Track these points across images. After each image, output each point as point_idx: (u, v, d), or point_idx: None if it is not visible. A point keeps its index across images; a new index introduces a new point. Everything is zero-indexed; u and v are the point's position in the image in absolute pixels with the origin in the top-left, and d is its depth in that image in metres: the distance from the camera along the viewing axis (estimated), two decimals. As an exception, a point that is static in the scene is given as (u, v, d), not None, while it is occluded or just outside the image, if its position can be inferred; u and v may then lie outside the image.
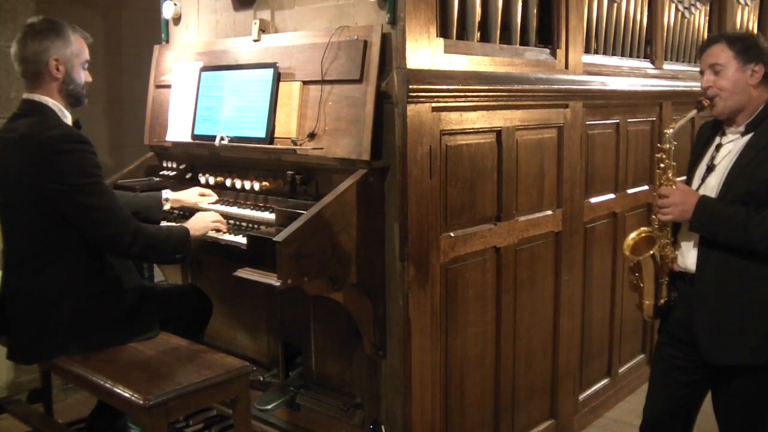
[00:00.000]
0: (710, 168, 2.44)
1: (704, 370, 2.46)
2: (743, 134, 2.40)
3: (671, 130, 2.44)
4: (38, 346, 2.58)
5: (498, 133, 2.93)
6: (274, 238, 2.34)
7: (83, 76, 2.68)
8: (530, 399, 3.31)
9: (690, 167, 2.60)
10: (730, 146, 2.42)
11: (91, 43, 2.74)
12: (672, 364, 2.53)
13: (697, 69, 2.59)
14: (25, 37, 2.58)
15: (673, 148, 2.44)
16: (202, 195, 3.12)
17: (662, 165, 2.43)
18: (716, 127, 2.52)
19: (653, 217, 2.50)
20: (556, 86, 3.21)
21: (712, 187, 2.41)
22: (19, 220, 2.58)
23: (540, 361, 3.35)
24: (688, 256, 2.45)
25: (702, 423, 2.62)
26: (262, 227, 2.79)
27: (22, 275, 2.59)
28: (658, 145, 2.47)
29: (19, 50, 2.60)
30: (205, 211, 2.96)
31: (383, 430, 2.78)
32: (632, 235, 2.53)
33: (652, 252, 2.44)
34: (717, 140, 2.48)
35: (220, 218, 2.84)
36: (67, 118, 2.64)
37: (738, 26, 5.11)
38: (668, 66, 4.28)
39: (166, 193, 3.10)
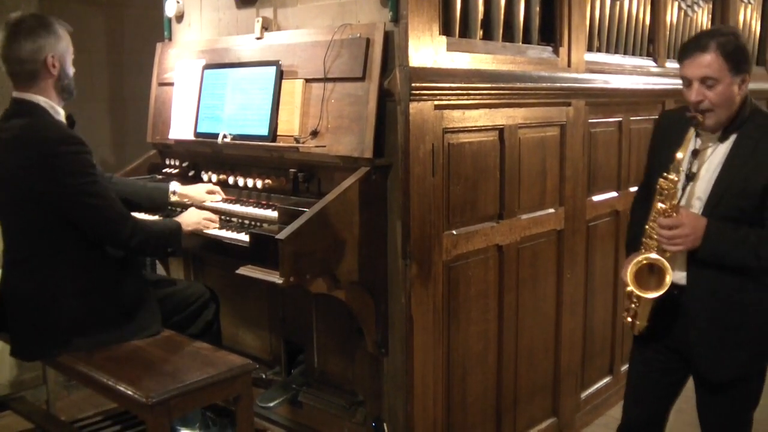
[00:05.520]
0: (689, 177, 2.28)
1: (684, 372, 2.45)
2: (721, 140, 2.27)
3: (680, 155, 2.20)
4: (39, 342, 2.58)
5: (500, 131, 2.93)
6: (277, 236, 2.35)
7: (72, 69, 2.66)
8: (532, 397, 3.31)
9: (656, 166, 2.37)
10: (708, 152, 2.29)
11: (71, 32, 2.66)
12: (653, 367, 2.49)
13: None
14: (16, 36, 2.50)
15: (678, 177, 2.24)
16: (210, 192, 3.12)
17: (666, 192, 2.23)
18: (685, 124, 2.29)
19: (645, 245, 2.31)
20: (558, 84, 3.21)
21: (693, 196, 2.30)
22: (17, 218, 2.59)
23: (542, 359, 3.35)
24: (676, 269, 2.31)
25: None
26: (265, 225, 2.79)
27: (22, 272, 2.59)
28: (666, 174, 2.23)
29: (12, 50, 2.51)
30: (210, 209, 3.00)
31: (385, 427, 2.78)
32: (630, 268, 2.30)
33: (662, 292, 2.24)
34: (691, 145, 2.27)
35: (212, 216, 2.89)
36: (60, 115, 2.61)
37: (741, 25, 5.10)
38: (671, 64, 4.26)
39: (174, 186, 3.13)
